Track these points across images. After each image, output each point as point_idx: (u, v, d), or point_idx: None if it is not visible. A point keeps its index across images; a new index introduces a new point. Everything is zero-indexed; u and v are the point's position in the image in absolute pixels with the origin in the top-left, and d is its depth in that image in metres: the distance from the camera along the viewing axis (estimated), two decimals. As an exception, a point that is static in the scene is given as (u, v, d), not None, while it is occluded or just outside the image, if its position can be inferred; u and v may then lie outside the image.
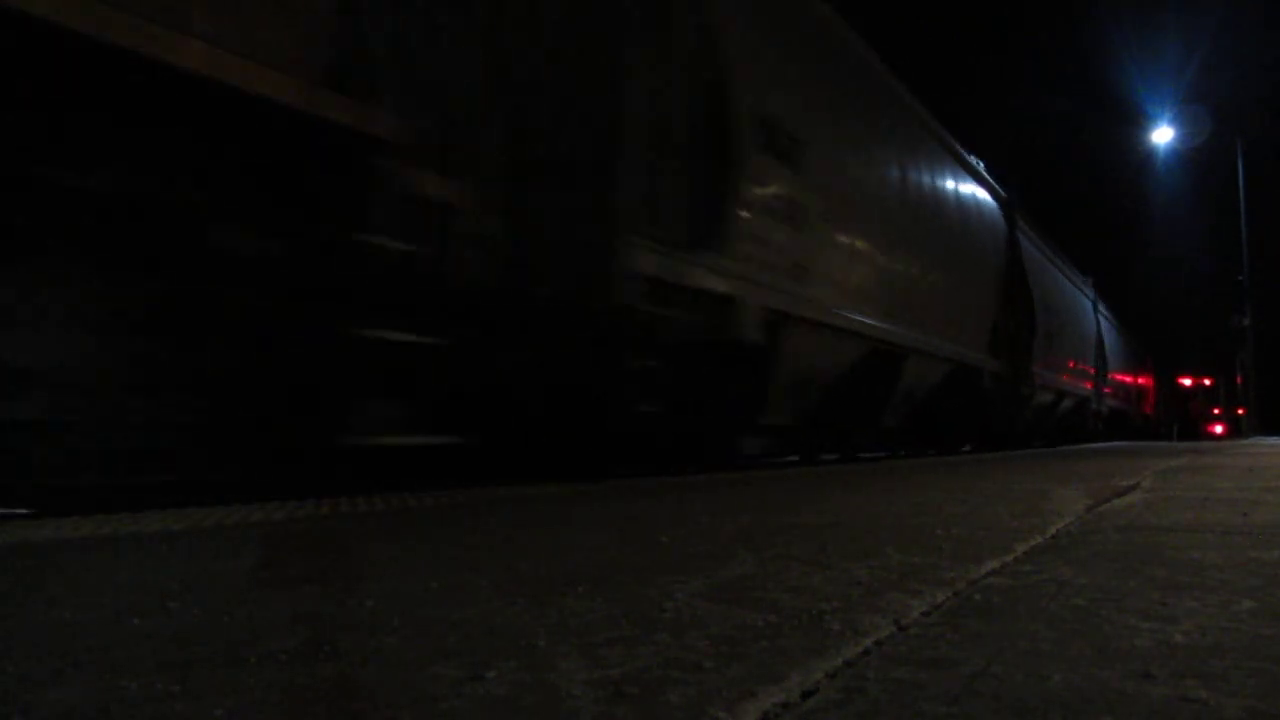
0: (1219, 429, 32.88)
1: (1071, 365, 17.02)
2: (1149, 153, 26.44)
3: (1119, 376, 24.42)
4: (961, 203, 11.02)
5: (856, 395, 8.15)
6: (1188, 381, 37.46)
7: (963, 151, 11.27)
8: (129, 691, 1.01)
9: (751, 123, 5.80)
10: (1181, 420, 33.19)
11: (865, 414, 8.69)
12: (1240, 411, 25.35)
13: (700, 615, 1.38)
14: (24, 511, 2.95)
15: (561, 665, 1.10)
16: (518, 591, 1.57)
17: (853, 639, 1.22)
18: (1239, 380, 24.00)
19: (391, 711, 0.94)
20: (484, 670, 1.08)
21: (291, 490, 3.50)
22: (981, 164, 12.21)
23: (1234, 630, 1.27)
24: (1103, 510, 3.05)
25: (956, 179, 10.93)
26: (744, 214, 5.77)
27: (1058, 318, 15.86)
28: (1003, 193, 13.21)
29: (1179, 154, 26.77)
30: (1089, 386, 19.19)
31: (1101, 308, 22.17)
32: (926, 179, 9.66)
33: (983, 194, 12.23)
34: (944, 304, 9.87)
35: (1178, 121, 24.82)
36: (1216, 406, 34.20)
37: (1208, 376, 35.72)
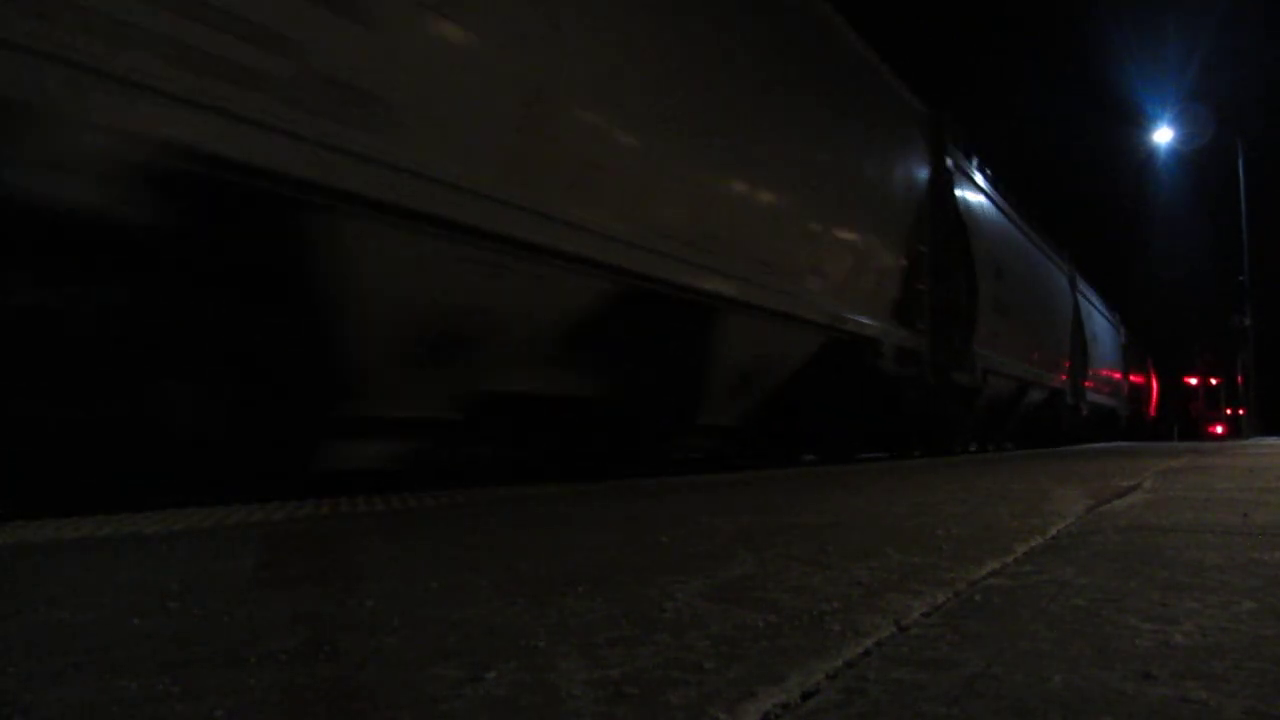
0: (1219, 429, 32.89)
1: (1036, 355, 14.01)
2: (1149, 153, 26.46)
3: (1107, 371, 22.33)
4: (836, 94, 7.35)
5: (629, 375, 5.07)
6: (1193, 381, 37.47)
7: (853, 37, 7.68)
8: (129, 691, 1.01)
9: None
10: (1183, 420, 33.21)
11: (663, 405, 5.49)
12: (1240, 411, 25.34)
13: (700, 615, 1.38)
14: None
15: (561, 665, 1.10)
16: (518, 591, 1.57)
17: (853, 639, 1.22)
18: (1239, 380, 23.99)
19: (391, 711, 0.94)
20: (484, 670, 1.08)
21: (291, 490, 3.50)
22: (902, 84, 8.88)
23: (1234, 631, 1.27)
24: (1103, 511, 3.05)
25: (832, 63, 7.30)
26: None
27: (1017, 287, 12.59)
28: (922, 106, 9.57)
29: (1180, 154, 26.79)
30: (1063, 378, 16.22)
31: (1082, 286, 19.06)
32: (756, 39, 6.02)
33: (887, 98, 8.61)
34: (806, 242, 6.66)
35: (1178, 121, 24.84)
36: (1217, 406, 34.21)
37: (1210, 376, 35.74)
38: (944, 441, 10.87)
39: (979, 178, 11.42)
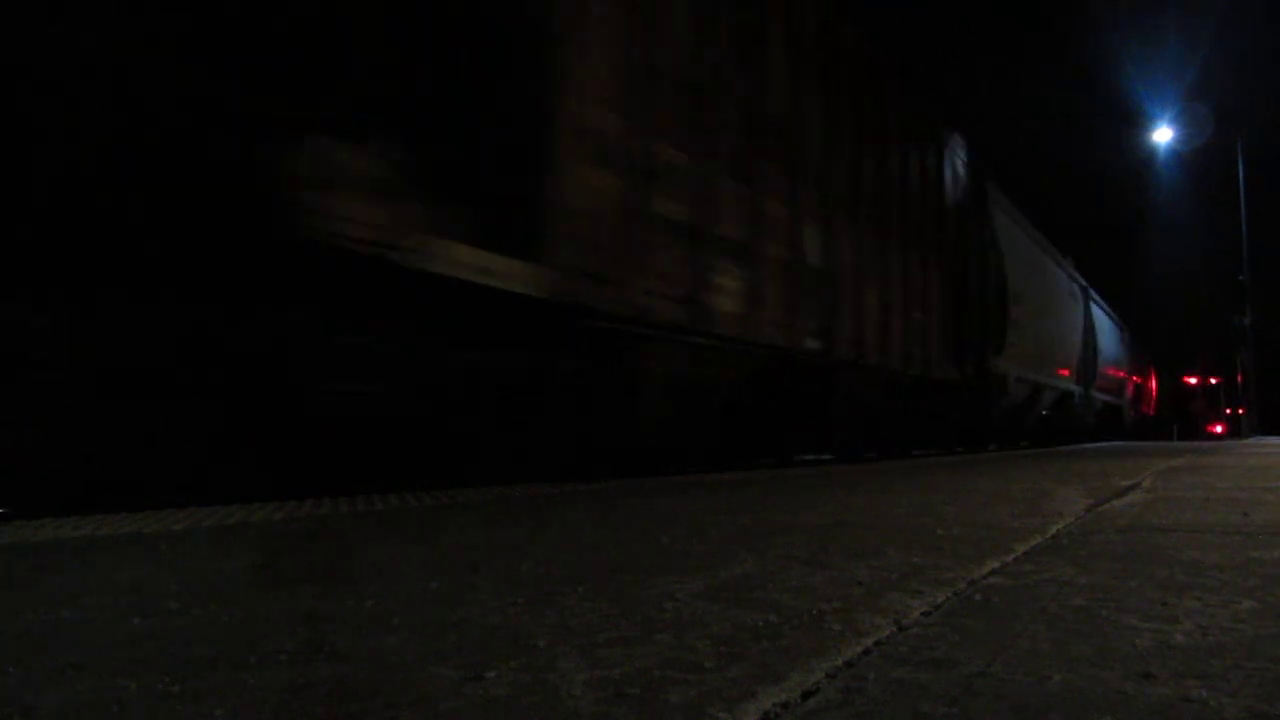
0: (1219, 428, 32.94)
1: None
2: (1150, 153, 26.48)
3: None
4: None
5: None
6: (1192, 380, 37.52)
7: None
8: (129, 691, 1.01)
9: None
10: (1182, 419, 33.24)
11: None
12: (1240, 411, 25.34)
13: (700, 615, 1.38)
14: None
15: (561, 665, 1.10)
16: (518, 591, 1.57)
17: (853, 639, 1.22)
18: (1239, 379, 23.98)
19: (391, 712, 0.94)
20: (484, 670, 1.08)
21: (291, 490, 3.50)
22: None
23: (1234, 630, 1.27)
24: (1103, 510, 3.05)
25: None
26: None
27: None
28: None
29: (1180, 154, 26.81)
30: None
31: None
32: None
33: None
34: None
35: (1178, 121, 24.88)
36: (1217, 406, 34.25)
37: (1210, 376, 35.78)
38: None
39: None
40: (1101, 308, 21.90)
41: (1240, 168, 22.06)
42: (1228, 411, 32.08)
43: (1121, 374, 25.09)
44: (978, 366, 10.87)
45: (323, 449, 3.73)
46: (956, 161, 10.67)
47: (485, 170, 3.98)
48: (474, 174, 3.95)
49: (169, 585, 1.63)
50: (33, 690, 1.02)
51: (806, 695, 0.99)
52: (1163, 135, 24.90)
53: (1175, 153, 26.42)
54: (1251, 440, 17.96)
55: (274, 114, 3.18)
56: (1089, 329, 19.19)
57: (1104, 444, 17.11)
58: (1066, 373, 16.68)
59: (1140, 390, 29.60)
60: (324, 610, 1.43)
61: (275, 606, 1.46)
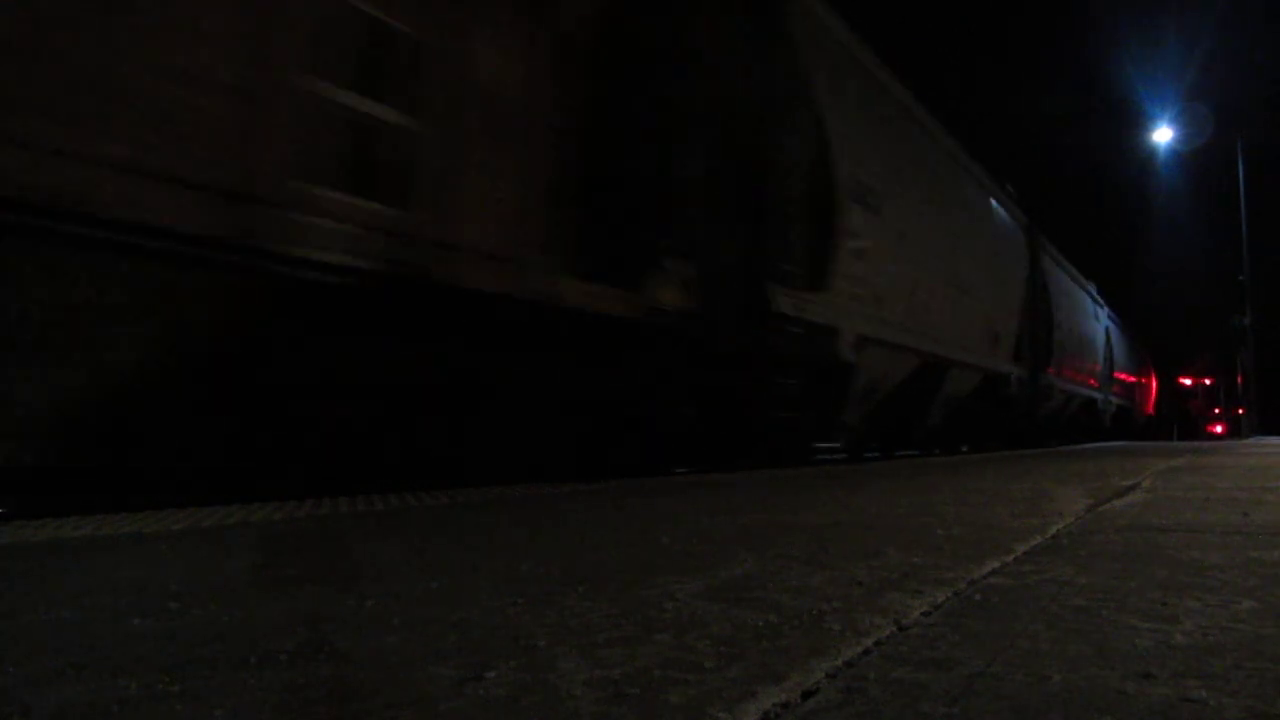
0: (1219, 428, 32.99)
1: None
2: (1149, 153, 26.53)
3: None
4: None
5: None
6: (1188, 381, 37.56)
7: None
8: (129, 691, 1.01)
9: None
10: (1182, 420, 33.29)
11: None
12: (1240, 411, 25.34)
13: (700, 615, 1.38)
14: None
15: (561, 665, 1.10)
16: (518, 591, 1.57)
17: (853, 639, 1.22)
18: (1239, 379, 23.99)
19: (391, 712, 0.94)
20: (484, 670, 1.08)
21: (292, 490, 3.50)
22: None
23: (1234, 630, 1.27)
24: (1103, 510, 3.05)
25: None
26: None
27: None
28: None
29: (1180, 154, 26.86)
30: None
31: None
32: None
33: None
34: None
35: (1178, 122, 24.93)
36: (1217, 406, 34.28)
37: (1209, 376, 35.83)
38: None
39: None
40: (1064, 268, 16.44)
41: (1240, 168, 22.06)
42: (1223, 411, 32.11)
43: (1096, 363, 20.00)
44: (748, 303, 5.74)
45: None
46: None
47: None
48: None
49: (169, 585, 1.63)
50: (33, 690, 1.02)
51: (806, 695, 0.99)
52: (1163, 135, 24.92)
53: (1175, 153, 26.45)
54: (1251, 440, 17.97)
55: None
56: (1038, 289, 13.91)
57: (1103, 444, 17.09)
58: (996, 347, 11.67)
59: (1133, 388, 28.72)
60: (324, 610, 1.43)
61: (275, 606, 1.46)
